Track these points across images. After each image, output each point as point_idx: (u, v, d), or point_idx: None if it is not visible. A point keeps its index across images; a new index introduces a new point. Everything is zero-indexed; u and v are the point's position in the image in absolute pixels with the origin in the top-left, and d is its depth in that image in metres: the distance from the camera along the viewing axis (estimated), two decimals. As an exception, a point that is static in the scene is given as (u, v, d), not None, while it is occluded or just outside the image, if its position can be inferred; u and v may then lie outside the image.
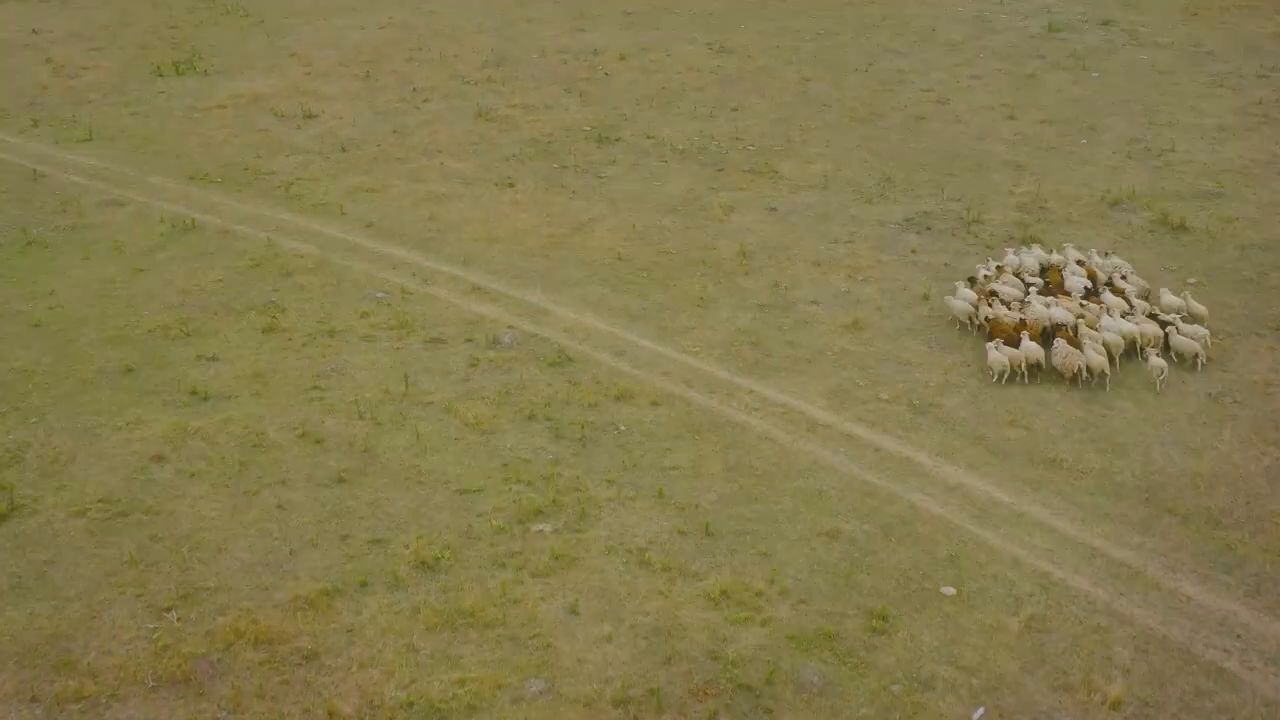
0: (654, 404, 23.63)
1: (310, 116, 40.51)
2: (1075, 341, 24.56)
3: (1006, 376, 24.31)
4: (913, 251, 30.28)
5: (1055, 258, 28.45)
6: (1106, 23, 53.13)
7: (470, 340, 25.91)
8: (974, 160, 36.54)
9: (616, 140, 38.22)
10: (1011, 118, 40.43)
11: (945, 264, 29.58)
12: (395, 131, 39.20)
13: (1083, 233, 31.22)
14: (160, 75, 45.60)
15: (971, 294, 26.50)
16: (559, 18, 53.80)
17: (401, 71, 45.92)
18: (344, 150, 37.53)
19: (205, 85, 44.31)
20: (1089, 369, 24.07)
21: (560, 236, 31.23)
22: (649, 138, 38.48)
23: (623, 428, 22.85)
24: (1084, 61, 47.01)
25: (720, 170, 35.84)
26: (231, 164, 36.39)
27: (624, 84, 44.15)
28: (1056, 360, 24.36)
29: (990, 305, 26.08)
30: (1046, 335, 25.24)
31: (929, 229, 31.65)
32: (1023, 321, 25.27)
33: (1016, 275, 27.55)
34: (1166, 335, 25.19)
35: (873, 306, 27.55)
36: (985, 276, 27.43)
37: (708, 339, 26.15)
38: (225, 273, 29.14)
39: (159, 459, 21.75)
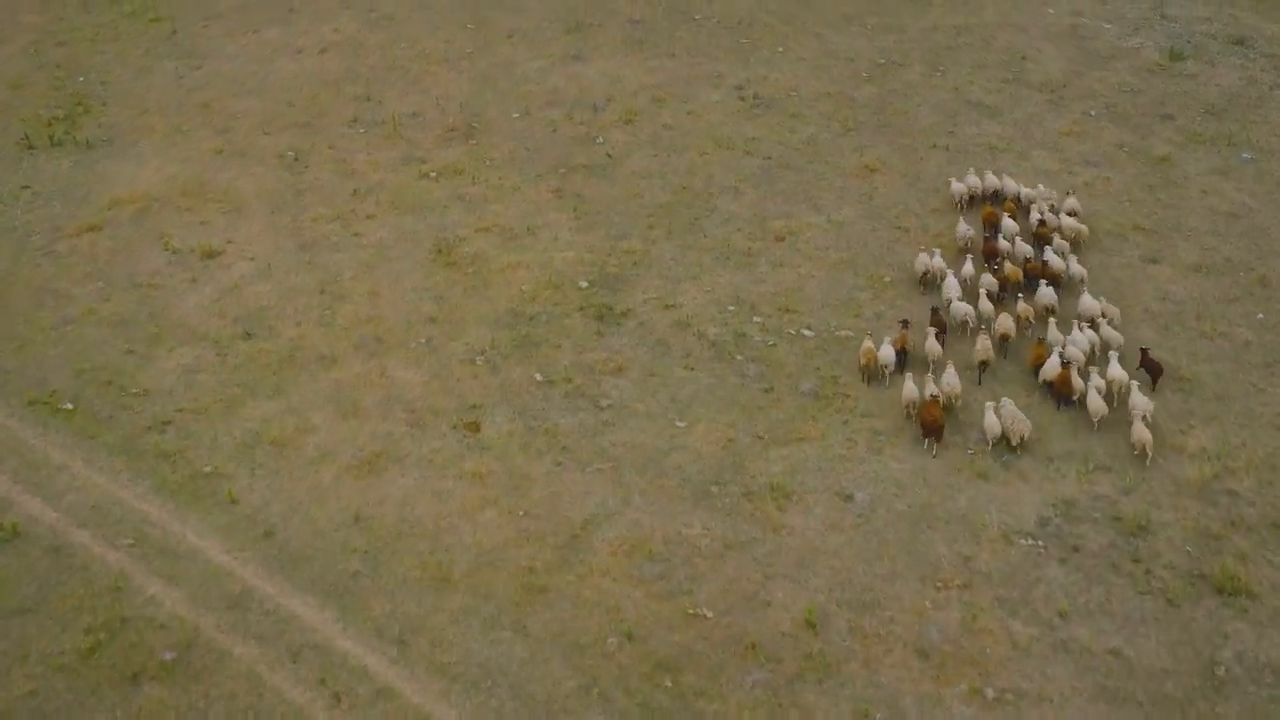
0: None
1: (211, 255, 30.09)
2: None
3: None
4: (1060, 614, 20.46)
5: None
6: (1239, 42, 42.06)
7: None
8: (1116, 363, 26.38)
9: (623, 315, 27.92)
10: (1153, 260, 30.01)
11: (1114, 648, 19.90)
12: (323, 291, 28.85)
13: (1295, 559, 21.60)
14: (30, 147, 35.11)
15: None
16: (547, 33, 42.51)
17: (340, 148, 35.19)
18: (249, 336, 27.28)
19: (83, 173, 33.78)
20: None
21: (542, 569, 21.33)
22: (667, 307, 28.19)
23: None
24: (1225, 124, 36.33)
25: (768, 391, 25.67)
26: (91, 369, 26.24)
27: (632, 177, 33.52)
28: (1004, 421, 24.01)
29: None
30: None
31: (1077, 549, 21.70)
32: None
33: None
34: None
35: (1020, 785, 17.99)
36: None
37: None
38: (41, 675, 19.37)
39: None
